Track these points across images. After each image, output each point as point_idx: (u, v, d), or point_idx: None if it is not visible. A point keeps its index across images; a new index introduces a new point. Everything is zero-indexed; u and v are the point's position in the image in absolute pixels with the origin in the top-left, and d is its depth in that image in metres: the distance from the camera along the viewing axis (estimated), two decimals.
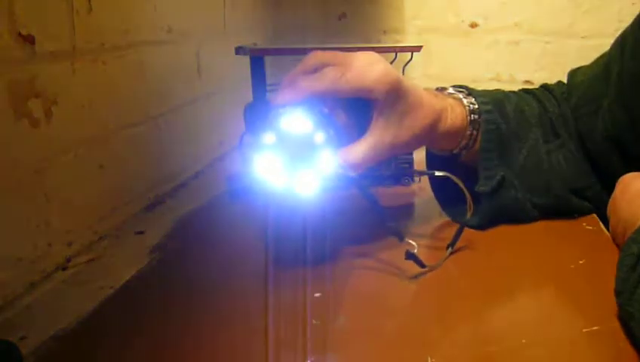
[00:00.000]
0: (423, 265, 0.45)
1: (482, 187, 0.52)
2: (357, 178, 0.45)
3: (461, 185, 0.48)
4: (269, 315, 0.40)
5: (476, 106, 0.52)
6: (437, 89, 0.54)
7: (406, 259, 0.45)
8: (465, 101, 0.52)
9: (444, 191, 0.58)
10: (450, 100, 0.52)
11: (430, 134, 0.49)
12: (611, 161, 0.53)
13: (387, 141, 0.46)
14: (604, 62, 0.56)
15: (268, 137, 0.42)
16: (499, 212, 0.53)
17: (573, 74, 0.60)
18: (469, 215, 0.50)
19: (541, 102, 0.58)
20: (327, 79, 0.43)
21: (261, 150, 0.42)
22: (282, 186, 0.43)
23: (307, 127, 0.42)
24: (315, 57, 0.45)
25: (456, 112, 0.51)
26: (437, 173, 0.49)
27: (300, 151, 0.42)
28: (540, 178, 0.54)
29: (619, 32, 0.55)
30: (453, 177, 0.49)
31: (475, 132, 0.52)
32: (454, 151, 0.53)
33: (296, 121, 0.42)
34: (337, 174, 0.44)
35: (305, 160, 0.42)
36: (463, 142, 0.52)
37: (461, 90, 0.55)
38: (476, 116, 0.52)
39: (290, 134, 0.42)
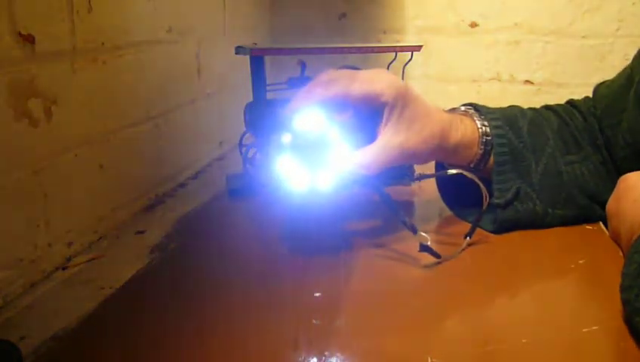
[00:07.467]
0: (437, 256, 0.46)
1: (497, 200, 0.52)
2: (370, 177, 0.46)
3: (477, 180, 0.48)
4: (270, 315, 0.40)
5: (488, 128, 0.52)
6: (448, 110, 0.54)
7: (420, 251, 0.46)
8: (477, 122, 0.53)
9: (452, 194, 0.59)
10: (460, 115, 0.53)
11: (440, 144, 0.49)
12: (634, 169, 0.52)
13: (396, 144, 0.47)
14: (627, 74, 0.56)
15: (285, 137, 0.44)
16: (515, 223, 0.53)
17: (597, 88, 0.60)
18: (484, 207, 0.49)
19: (562, 117, 0.58)
20: (339, 85, 0.45)
21: (280, 150, 0.44)
22: (303, 185, 0.44)
23: (320, 128, 0.44)
24: (327, 74, 0.47)
25: (465, 124, 0.52)
26: (450, 172, 0.49)
27: (314, 151, 0.44)
28: (561, 190, 0.54)
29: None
30: (468, 174, 0.48)
31: (487, 151, 0.52)
32: (468, 166, 0.53)
33: (309, 121, 0.44)
34: (351, 174, 0.45)
35: (319, 160, 0.44)
36: (475, 160, 0.52)
37: (471, 108, 0.55)
38: (488, 138, 0.52)
39: (305, 134, 0.44)
